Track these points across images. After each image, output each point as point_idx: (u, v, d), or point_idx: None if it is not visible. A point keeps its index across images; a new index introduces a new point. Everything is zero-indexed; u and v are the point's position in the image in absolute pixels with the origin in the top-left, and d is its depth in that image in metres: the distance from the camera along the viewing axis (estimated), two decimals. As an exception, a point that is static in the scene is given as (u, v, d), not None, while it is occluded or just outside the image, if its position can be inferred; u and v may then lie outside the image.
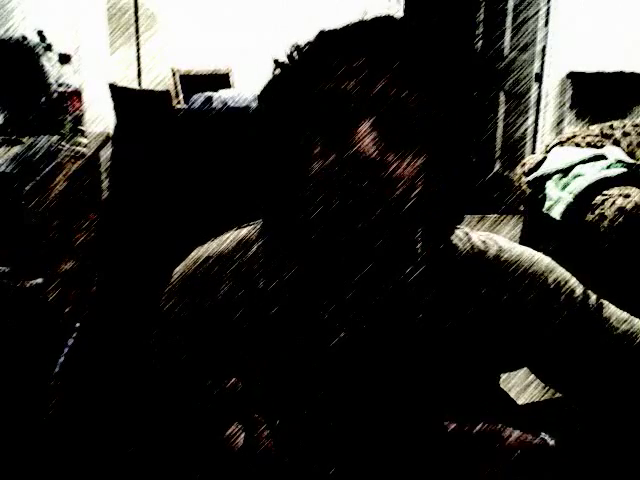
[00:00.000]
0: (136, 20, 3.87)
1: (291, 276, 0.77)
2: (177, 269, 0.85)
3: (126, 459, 0.84)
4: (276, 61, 0.76)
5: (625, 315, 0.80)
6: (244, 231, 0.84)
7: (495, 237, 0.83)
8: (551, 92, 4.43)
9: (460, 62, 0.73)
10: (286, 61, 0.76)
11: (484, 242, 0.81)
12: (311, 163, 0.70)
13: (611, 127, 3.54)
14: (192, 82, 3.84)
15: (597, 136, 3.47)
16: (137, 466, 0.81)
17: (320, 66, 0.71)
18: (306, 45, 0.75)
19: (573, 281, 0.80)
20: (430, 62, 0.70)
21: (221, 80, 3.94)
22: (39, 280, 1.43)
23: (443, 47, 0.72)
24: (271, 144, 0.75)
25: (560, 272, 0.80)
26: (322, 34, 0.74)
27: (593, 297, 0.80)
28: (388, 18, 0.73)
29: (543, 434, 0.72)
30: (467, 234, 0.82)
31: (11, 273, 1.43)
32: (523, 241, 3.42)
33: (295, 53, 0.75)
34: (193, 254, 0.84)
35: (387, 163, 0.68)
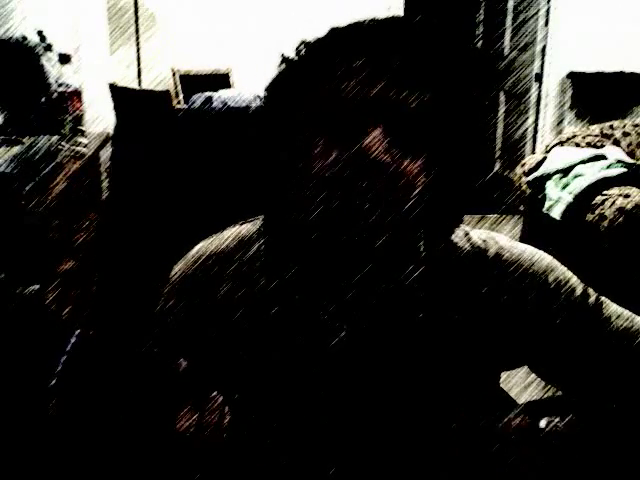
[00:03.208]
0: (136, 20, 3.86)
1: (291, 275, 0.77)
2: (177, 267, 0.84)
3: (125, 459, 0.84)
4: (282, 55, 0.75)
5: (626, 313, 0.80)
6: (245, 229, 0.84)
7: (496, 236, 0.83)
8: (551, 92, 4.43)
9: (463, 60, 0.72)
10: (292, 56, 0.75)
11: (484, 241, 0.81)
12: (313, 161, 0.69)
13: (611, 127, 3.53)
14: (192, 82, 3.84)
15: (597, 136, 3.47)
16: (136, 466, 0.81)
17: (325, 65, 0.71)
18: (314, 42, 0.74)
19: (574, 280, 0.80)
20: (434, 62, 0.70)
21: (221, 80, 3.94)
22: (36, 286, 1.43)
23: (446, 46, 0.72)
24: (273, 141, 0.75)
25: (561, 271, 0.80)
26: (332, 31, 0.73)
27: (593, 296, 0.80)
28: (394, 19, 0.73)
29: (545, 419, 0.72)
30: (467, 233, 0.82)
31: (8, 279, 1.42)
32: (523, 241, 3.38)
33: (302, 49, 0.74)
34: (193, 251, 0.84)
35: (391, 164, 0.68)
